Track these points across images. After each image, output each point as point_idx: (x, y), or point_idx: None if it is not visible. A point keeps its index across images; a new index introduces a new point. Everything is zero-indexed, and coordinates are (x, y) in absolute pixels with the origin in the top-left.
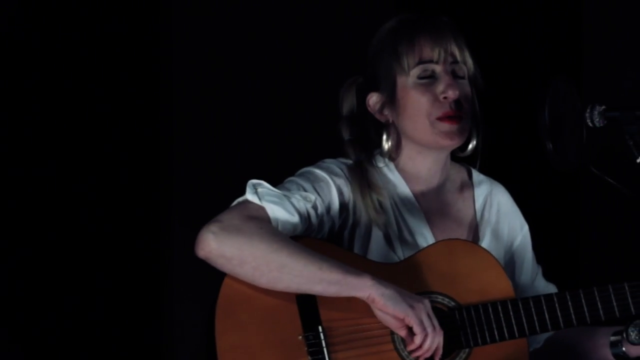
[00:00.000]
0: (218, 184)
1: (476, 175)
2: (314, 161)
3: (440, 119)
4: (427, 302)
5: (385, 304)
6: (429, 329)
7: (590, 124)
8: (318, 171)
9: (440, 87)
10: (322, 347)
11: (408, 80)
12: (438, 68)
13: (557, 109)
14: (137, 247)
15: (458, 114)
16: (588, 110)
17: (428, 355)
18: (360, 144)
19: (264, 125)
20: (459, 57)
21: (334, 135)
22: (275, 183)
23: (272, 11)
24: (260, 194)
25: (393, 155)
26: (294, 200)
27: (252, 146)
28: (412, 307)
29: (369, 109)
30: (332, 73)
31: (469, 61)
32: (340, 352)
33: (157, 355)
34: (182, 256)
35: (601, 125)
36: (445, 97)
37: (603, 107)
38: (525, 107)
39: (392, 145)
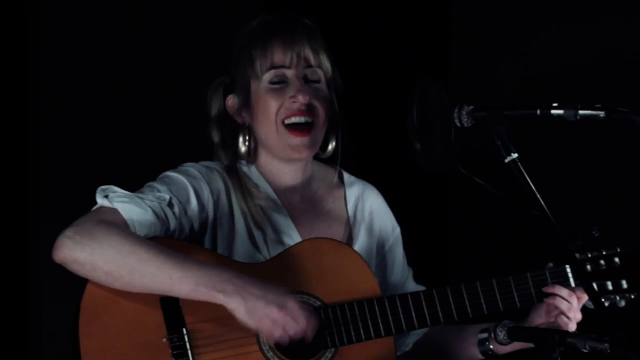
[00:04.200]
0: (88, 185)
1: (347, 177)
2: (176, 166)
3: (288, 126)
4: (282, 314)
5: (239, 318)
6: (282, 340)
7: (458, 124)
8: (174, 174)
9: (290, 92)
10: (186, 350)
11: (261, 84)
12: (290, 72)
13: (425, 110)
14: (5, 246)
15: (307, 120)
16: (456, 111)
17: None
18: (229, 146)
19: (131, 129)
20: (312, 61)
21: (200, 139)
22: (141, 186)
23: (141, 11)
24: (110, 197)
25: (250, 159)
26: (146, 201)
27: (120, 149)
28: (260, 326)
29: (228, 110)
30: (200, 75)
31: (326, 64)
32: (205, 354)
33: (25, 355)
34: (50, 255)
35: (469, 125)
36: (294, 102)
37: (471, 107)
38: (393, 108)
39: (248, 148)
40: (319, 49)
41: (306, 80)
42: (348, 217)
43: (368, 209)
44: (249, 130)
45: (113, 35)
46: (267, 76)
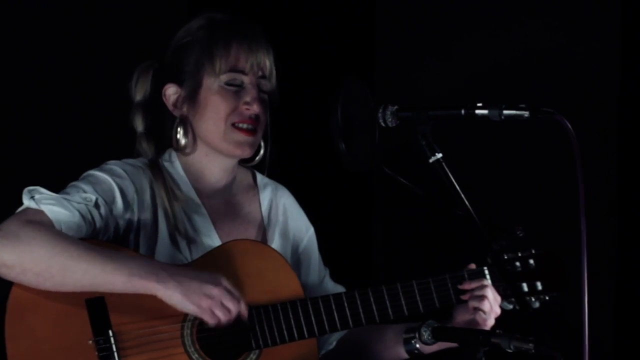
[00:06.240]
0: (9, 187)
1: (261, 179)
2: (98, 164)
3: (237, 127)
4: (218, 290)
5: (174, 305)
6: (222, 318)
7: (382, 124)
8: (99, 173)
9: (246, 98)
10: (112, 352)
11: (215, 82)
12: (247, 79)
13: (349, 110)
14: None
15: (254, 127)
16: (380, 111)
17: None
18: (153, 138)
19: (53, 131)
20: (267, 72)
21: (120, 138)
22: (62, 187)
23: (58, 4)
24: (37, 199)
25: (187, 151)
26: (73, 203)
27: (42, 152)
28: (199, 306)
29: (164, 99)
30: (120, 71)
31: (274, 76)
32: (131, 356)
33: None
34: None
35: (394, 125)
36: (247, 109)
37: (395, 107)
38: (318, 108)
39: (189, 140)
40: (272, 61)
41: (259, 89)
42: (262, 219)
43: (281, 210)
44: (187, 123)
45: (25, 31)
46: (225, 77)
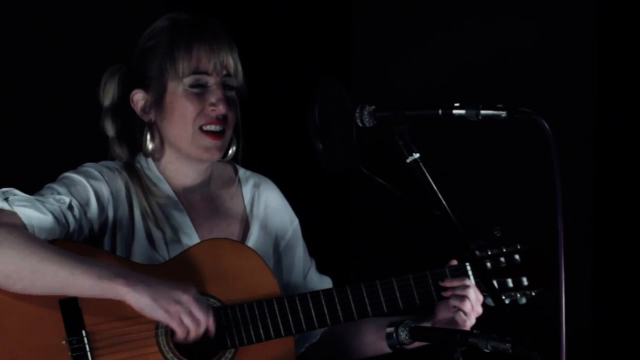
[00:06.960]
0: None
1: (242, 172)
2: (76, 166)
3: (205, 131)
4: (187, 296)
5: (142, 309)
6: (191, 326)
7: (360, 124)
8: (75, 175)
9: (211, 99)
10: (86, 352)
11: (179, 86)
12: (211, 80)
13: (326, 109)
14: None
15: (222, 129)
16: (358, 110)
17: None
18: (125, 141)
19: (25, 131)
20: (232, 70)
21: (98, 139)
22: (38, 189)
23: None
24: (10, 201)
25: (156, 156)
26: (47, 204)
27: (14, 152)
28: (168, 312)
29: (132, 105)
30: (99, 73)
31: (240, 71)
32: (104, 356)
33: None
34: None
35: (371, 125)
36: (213, 110)
37: (373, 107)
38: (295, 108)
39: (156, 145)
40: (236, 56)
41: (225, 87)
42: (245, 212)
43: (263, 204)
44: (155, 128)
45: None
46: (188, 80)
